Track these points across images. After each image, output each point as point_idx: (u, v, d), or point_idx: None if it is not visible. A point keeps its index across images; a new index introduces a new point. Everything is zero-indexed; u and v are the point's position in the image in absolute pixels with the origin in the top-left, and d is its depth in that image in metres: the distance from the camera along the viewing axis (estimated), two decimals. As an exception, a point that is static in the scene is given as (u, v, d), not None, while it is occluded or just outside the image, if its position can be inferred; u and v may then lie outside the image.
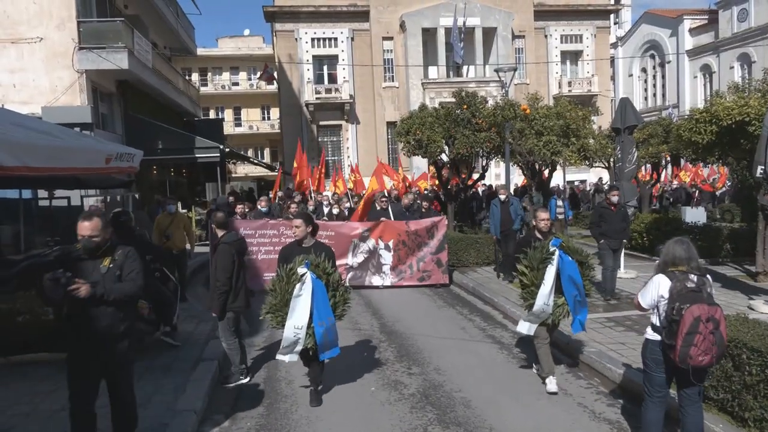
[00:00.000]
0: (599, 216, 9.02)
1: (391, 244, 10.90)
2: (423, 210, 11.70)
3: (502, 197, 11.00)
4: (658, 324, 4.00)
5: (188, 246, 10.14)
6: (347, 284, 5.53)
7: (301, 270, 5.01)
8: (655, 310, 4.03)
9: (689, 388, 3.98)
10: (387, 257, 10.93)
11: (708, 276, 3.99)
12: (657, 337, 3.99)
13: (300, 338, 5.04)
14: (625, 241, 9.22)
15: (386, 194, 12.97)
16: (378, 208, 11.57)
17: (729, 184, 24.33)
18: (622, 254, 9.86)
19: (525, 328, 5.64)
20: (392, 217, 11.25)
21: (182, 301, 9.19)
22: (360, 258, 10.93)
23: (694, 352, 3.67)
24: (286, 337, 5.06)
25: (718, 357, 3.83)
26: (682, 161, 22.78)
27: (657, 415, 4.09)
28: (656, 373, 4.02)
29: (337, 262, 10.39)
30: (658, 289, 3.97)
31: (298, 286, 4.99)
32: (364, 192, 17.40)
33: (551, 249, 5.48)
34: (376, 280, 10.93)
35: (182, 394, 5.44)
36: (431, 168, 19.51)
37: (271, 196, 16.24)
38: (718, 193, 23.90)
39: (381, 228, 10.94)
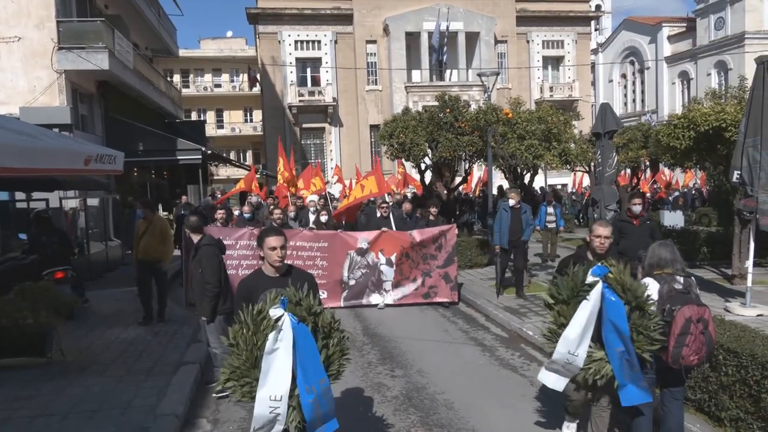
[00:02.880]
0: (618, 231, 7.17)
1: (393, 258, 9.62)
2: (431, 218, 10.30)
3: (512, 202, 9.49)
4: None
5: (167, 257, 8.88)
6: (343, 329, 3.63)
7: (275, 312, 3.26)
8: None
9: (675, 387, 4.06)
10: (388, 273, 9.64)
11: (692, 278, 4.08)
12: None
13: (279, 414, 3.31)
14: None
15: (387, 200, 11.44)
16: (378, 215, 10.30)
17: (679, 189, 24.90)
18: None
19: (547, 379, 4.10)
20: (394, 226, 9.94)
21: (160, 320, 8.49)
22: (357, 274, 9.65)
23: (686, 352, 3.72)
24: (258, 415, 3.31)
25: (708, 356, 3.89)
26: (661, 166, 23.17)
27: (649, 413, 4.14)
28: (646, 373, 4.04)
29: (331, 279, 9.43)
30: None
31: (272, 336, 3.22)
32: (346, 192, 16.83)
33: (590, 279, 3.85)
34: (375, 299, 9.68)
35: (164, 398, 5.38)
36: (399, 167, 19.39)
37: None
38: (671, 198, 24.30)
39: (382, 240, 9.64)
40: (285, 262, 3.76)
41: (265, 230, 3.80)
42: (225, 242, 8.67)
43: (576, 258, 4.50)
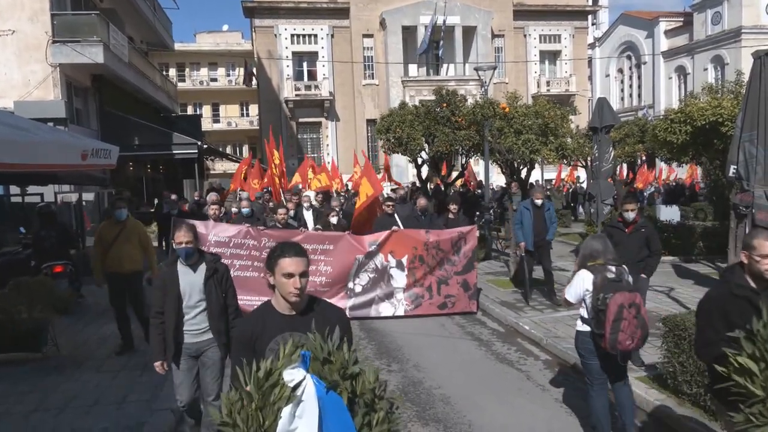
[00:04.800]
0: (607, 237, 6.74)
1: (404, 260, 8.49)
2: (450, 216, 9.21)
3: (538, 201, 9.01)
4: (586, 316, 4.28)
5: (154, 266, 7.15)
6: (392, 397, 2.39)
7: (292, 374, 2.13)
8: (583, 303, 4.31)
9: (619, 370, 4.30)
10: (400, 278, 8.50)
11: (624, 266, 4.38)
12: (587, 328, 4.27)
13: None
14: (644, 276, 6.21)
15: (391, 196, 10.38)
16: (381, 213, 9.39)
17: (655, 184, 24.90)
18: (645, 294, 6.32)
19: None
20: (401, 224, 8.91)
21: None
22: (364, 279, 8.49)
23: (621, 337, 3.94)
24: None
25: (643, 339, 4.08)
26: (657, 161, 23.20)
27: (602, 402, 4.32)
28: (592, 361, 4.27)
29: (335, 287, 8.39)
30: (583, 283, 4.26)
31: (287, 411, 2.10)
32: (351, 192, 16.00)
33: None
34: (386, 309, 8.49)
35: (160, 393, 5.38)
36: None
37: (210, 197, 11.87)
38: (646, 193, 24.31)
39: (393, 240, 8.48)
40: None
41: (281, 248, 2.59)
42: (217, 238, 8.13)
43: (730, 289, 3.05)
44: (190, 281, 4.03)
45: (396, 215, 9.09)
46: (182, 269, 4.04)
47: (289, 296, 2.52)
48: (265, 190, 15.05)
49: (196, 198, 18.29)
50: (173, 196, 14.96)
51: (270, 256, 2.59)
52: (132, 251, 6.87)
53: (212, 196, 10.27)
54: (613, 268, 4.22)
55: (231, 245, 8.16)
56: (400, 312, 8.50)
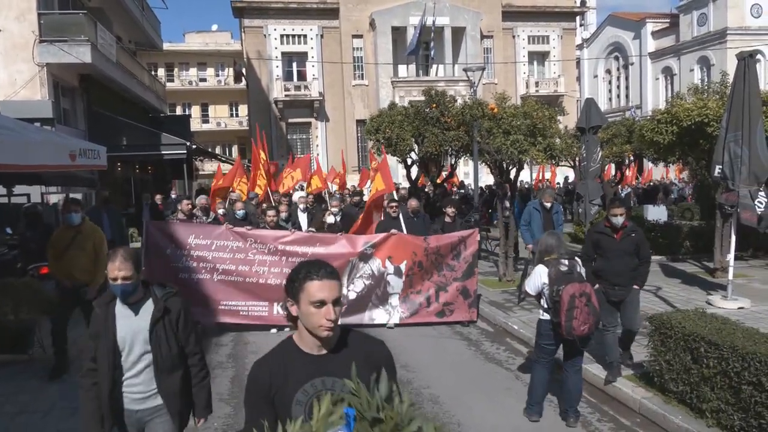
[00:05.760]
0: (594, 244, 5.81)
1: (403, 267, 7.96)
2: (447, 219, 8.56)
3: (548, 204, 8.98)
4: (546, 306, 4.74)
5: (100, 280, 5.98)
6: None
7: None
8: (542, 295, 4.75)
9: (574, 357, 4.82)
10: (396, 285, 7.97)
11: (576, 258, 4.86)
12: (547, 316, 4.73)
13: None
14: (637, 287, 5.68)
15: (396, 198, 9.85)
16: (387, 215, 8.65)
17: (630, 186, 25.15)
18: (639, 305, 5.80)
19: None
20: (404, 228, 8.28)
21: (55, 375, 5.98)
22: (359, 285, 7.92)
23: (576, 324, 4.42)
24: None
25: (596, 324, 4.61)
26: (645, 161, 23.34)
27: (545, 376, 4.88)
28: (548, 345, 4.80)
29: None
30: (540, 277, 4.73)
31: None
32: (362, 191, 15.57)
33: None
34: (380, 316, 7.99)
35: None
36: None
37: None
38: (623, 194, 24.48)
39: (391, 244, 7.95)
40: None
41: (306, 268, 1.98)
42: (198, 242, 7.70)
43: None
44: (132, 327, 2.95)
45: (401, 218, 8.42)
46: (121, 311, 2.97)
47: (321, 330, 1.93)
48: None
49: (174, 196, 17.99)
50: (158, 197, 14.88)
51: (292, 279, 2.00)
52: (85, 260, 6.13)
53: (201, 200, 9.71)
54: (566, 262, 4.66)
55: (213, 248, 7.69)
56: (395, 319, 8.01)
